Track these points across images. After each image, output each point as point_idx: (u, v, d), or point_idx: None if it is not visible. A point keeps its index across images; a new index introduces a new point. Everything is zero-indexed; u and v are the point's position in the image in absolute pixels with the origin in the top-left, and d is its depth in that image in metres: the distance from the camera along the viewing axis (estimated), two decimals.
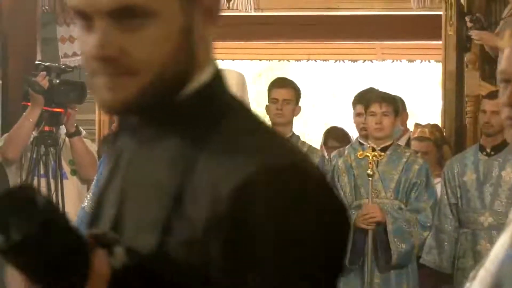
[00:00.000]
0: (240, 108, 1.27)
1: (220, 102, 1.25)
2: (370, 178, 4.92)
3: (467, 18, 6.24)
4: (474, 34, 6.18)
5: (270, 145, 1.20)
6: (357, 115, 5.64)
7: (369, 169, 4.91)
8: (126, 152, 1.33)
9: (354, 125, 5.79)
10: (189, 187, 1.18)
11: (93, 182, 4.72)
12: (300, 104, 5.34)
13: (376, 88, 6.04)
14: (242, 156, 1.16)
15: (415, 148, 5.77)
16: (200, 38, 1.24)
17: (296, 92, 5.31)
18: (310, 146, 5.46)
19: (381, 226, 4.87)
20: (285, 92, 5.27)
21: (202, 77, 1.25)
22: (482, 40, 6.20)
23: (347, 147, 5.77)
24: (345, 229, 1.21)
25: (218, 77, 1.27)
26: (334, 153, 5.95)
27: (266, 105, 5.39)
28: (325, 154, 5.91)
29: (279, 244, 1.12)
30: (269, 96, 5.34)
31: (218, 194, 1.14)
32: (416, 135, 6.12)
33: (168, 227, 1.19)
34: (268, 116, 5.45)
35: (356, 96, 5.82)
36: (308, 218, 1.14)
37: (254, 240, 1.12)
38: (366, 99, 5.24)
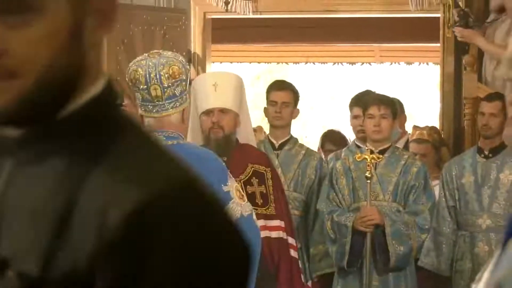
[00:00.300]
0: (130, 126, 1.17)
1: (111, 118, 1.16)
2: (369, 181, 4.91)
3: (454, 12, 6.24)
4: (457, 31, 6.18)
5: (163, 166, 1.12)
6: (354, 117, 5.64)
7: (367, 172, 4.91)
8: (4, 173, 1.19)
9: (351, 127, 5.80)
10: (75, 211, 1.09)
11: None
12: (298, 106, 5.34)
13: (373, 90, 6.04)
14: (133, 179, 1.08)
15: (413, 151, 5.76)
16: (91, 44, 1.15)
17: (294, 95, 5.31)
18: (308, 148, 5.46)
19: (379, 229, 4.87)
20: (284, 95, 5.27)
21: (93, 90, 1.16)
22: (464, 38, 6.19)
23: (344, 149, 5.78)
24: (243, 247, 1.13)
25: (109, 90, 1.18)
26: (331, 155, 5.95)
27: (265, 108, 5.38)
28: (323, 157, 5.91)
29: (173, 270, 1.05)
30: (267, 98, 5.34)
31: (108, 219, 1.05)
32: (414, 137, 6.11)
33: (50, 253, 1.09)
34: (266, 118, 5.45)
35: (353, 99, 5.82)
36: (203, 240, 1.08)
37: (147, 268, 1.04)
38: (364, 102, 5.24)
